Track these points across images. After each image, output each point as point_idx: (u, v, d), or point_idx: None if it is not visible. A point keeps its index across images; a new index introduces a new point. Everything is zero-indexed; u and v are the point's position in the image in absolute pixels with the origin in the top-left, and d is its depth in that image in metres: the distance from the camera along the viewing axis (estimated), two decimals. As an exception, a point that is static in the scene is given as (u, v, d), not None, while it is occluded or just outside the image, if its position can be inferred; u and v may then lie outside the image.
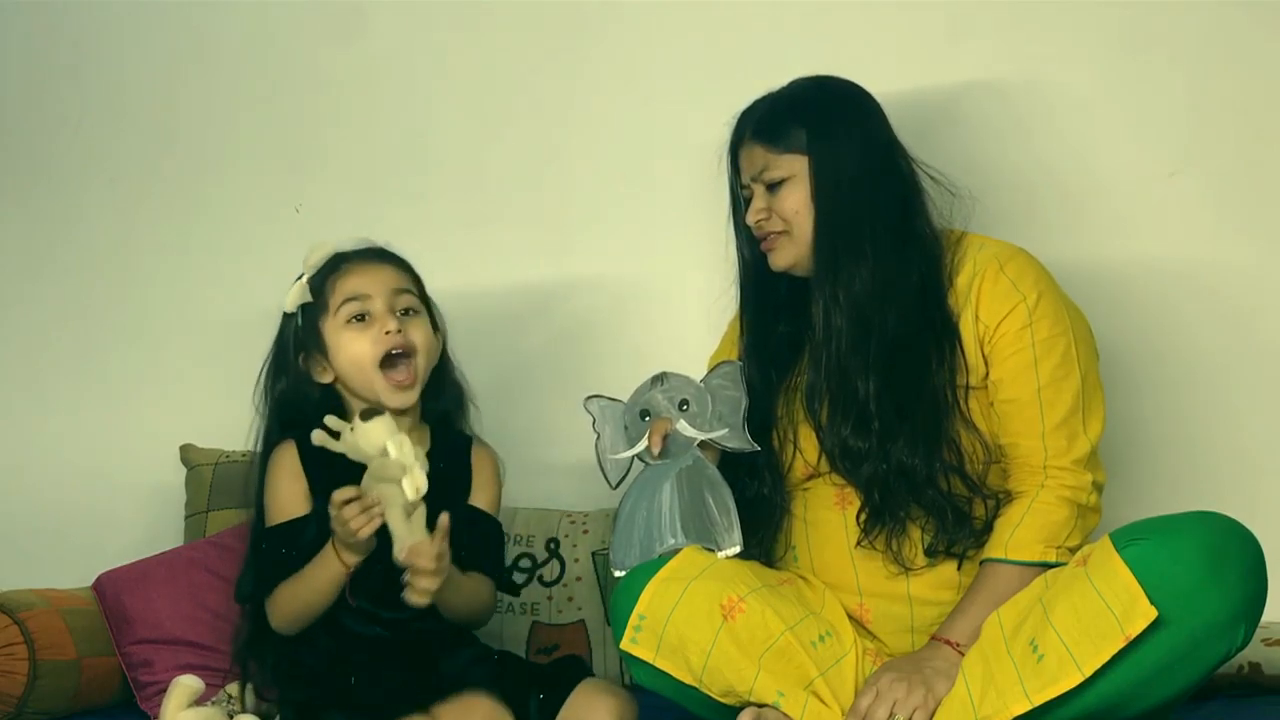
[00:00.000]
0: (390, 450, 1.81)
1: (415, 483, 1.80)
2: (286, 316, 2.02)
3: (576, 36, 2.62)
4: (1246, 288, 2.33)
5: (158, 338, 2.75)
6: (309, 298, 1.99)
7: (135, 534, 2.62)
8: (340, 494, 1.81)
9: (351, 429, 1.84)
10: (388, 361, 1.96)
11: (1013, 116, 2.40)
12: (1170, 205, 2.35)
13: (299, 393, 2.00)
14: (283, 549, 1.92)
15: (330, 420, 1.86)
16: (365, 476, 1.83)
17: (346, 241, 2.04)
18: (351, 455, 1.85)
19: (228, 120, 2.77)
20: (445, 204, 2.65)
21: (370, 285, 1.97)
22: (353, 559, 1.86)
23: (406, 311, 1.99)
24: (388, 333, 1.94)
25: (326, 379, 2.00)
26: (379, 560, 1.85)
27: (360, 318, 1.96)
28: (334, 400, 2.00)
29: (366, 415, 1.83)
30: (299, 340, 2.00)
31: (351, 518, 1.80)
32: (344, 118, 2.72)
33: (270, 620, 1.93)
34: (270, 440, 2.02)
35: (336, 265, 1.99)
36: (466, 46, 2.68)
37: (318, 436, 1.85)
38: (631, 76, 2.59)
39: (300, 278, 2.02)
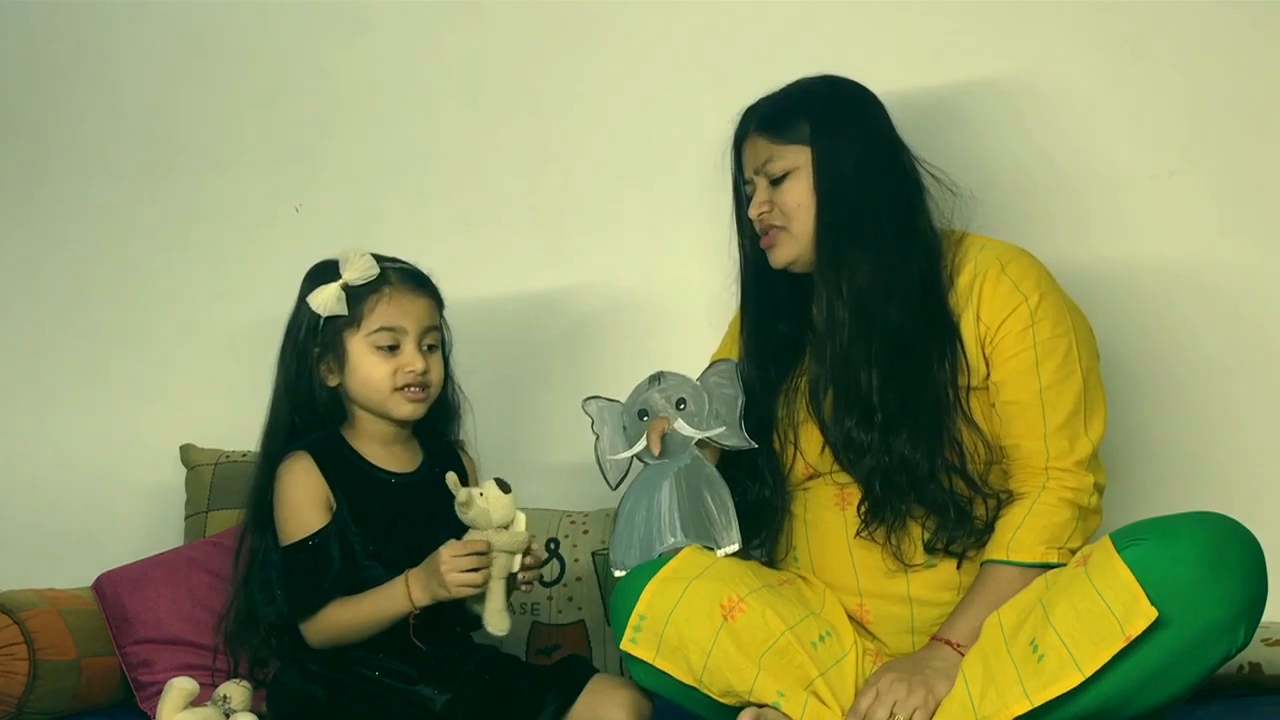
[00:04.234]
0: (520, 525, 1.93)
1: (522, 560, 1.94)
2: (308, 310, 2.00)
3: (576, 37, 2.62)
4: (1246, 288, 2.33)
5: (158, 337, 2.75)
6: (344, 309, 1.99)
7: (135, 534, 2.62)
8: (471, 544, 1.89)
9: (481, 494, 1.92)
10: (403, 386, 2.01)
11: (1013, 116, 2.40)
12: (1170, 205, 2.35)
13: (310, 391, 2.02)
14: (312, 567, 1.94)
15: (451, 479, 1.93)
16: (471, 536, 1.91)
17: (388, 260, 2.05)
18: (475, 521, 1.92)
19: (228, 120, 2.76)
20: (445, 204, 2.65)
21: (406, 319, 2.00)
22: (424, 602, 1.90)
23: (430, 348, 2.03)
24: (410, 371, 1.99)
25: (331, 383, 2.02)
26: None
27: (390, 348, 1.99)
28: (339, 404, 2.03)
29: (504, 487, 1.92)
30: (314, 338, 2.01)
31: (470, 569, 1.87)
32: (344, 118, 2.72)
33: (306, 636, 1.96)
34: (276, 436, 2.03)
35: (378, 285, 2.00)
36: (467, 46, 2.67)
37: (462, 496, 1.92)
38: (632, 77, 2.58)
39: (338, 282, 1.99)
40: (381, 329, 1.99)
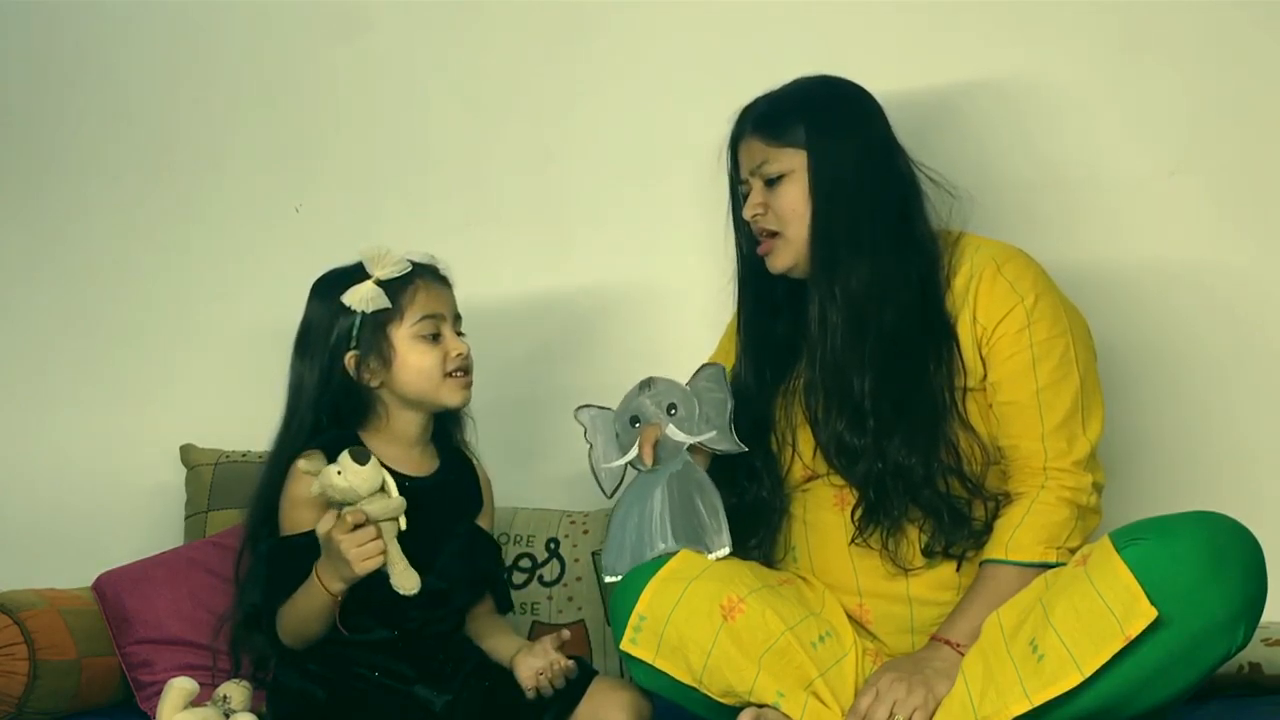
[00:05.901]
0: (390, 489, 1.88)
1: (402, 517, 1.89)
2: (339, 312, 2.00)
3: (576, 36, 2.62)
4: (1246, 288, 2.33)
5: (158, 338, 2.75)
6: (387, 303, 1.99)
7: (135, 534, 2.62)
8: (351, 517, 1.84)
9: (339, 472, 1.86)
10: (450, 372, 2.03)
11: (1012, 116, 2.40)
12: (1170, 205, 2.35)
13: (346, 395, 2.01)
14: (291, 564, 1.93)
15: (304, 464, 1.90)
16: (346, 513, 1.86)
17: (410, 253, 2.05)
18: (342, 497, 1.87)
19: (228, 120, 2.76)
20: (445, 204, 2.65)
21: (442, 305, 2.03)
22: (339, 588, 1.87)
23: (460, 334, 2.06)
24: (458, 354, 2.02)
25: (374, 382, 2.01)
26: (374, 586, 1.88)
27: (433, 336, 2.01)
28: (367, 406, 2.02)
29: (361, 458, 1.87)
30: (348, 341, 2.00)
31: (365, 543, 1.84)
32: (344, 118, 2.72)
33: (279, 635, 1.96)
34: (294, 443, 2.00)
35: (410, 278, 2.01)
36: (466, 46, 2.67)
37: (316, 487, 1.88)
38: (631, 77, 2.58)
39: (370, 280, 1.99)
40: (425, 318, 2.00)
